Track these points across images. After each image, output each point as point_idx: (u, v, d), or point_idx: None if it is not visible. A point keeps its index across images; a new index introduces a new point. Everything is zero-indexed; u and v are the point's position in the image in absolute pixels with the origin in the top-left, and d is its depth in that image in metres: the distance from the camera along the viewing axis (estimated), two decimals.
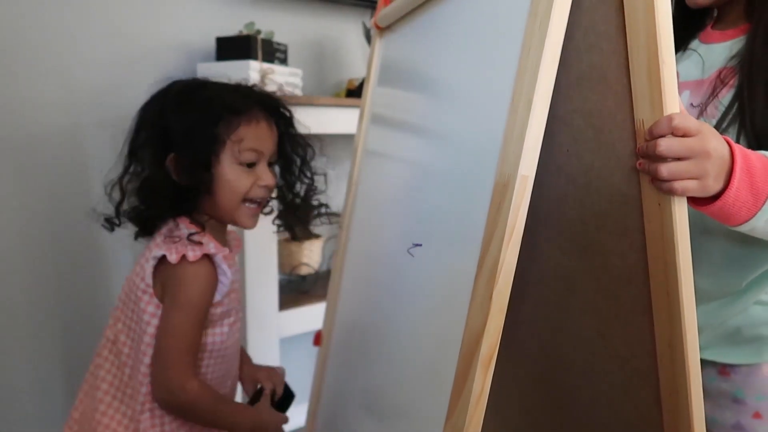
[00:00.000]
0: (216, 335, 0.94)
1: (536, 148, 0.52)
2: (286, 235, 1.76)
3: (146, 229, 0.96)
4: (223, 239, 0.99)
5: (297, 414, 1.20)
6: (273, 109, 0.98)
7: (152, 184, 0.91)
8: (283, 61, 1.59)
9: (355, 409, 0.91)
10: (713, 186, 0.55)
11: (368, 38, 1.83)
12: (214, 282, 0.91)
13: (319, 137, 1.07)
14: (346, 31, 1.94)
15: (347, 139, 1.43)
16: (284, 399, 1.04)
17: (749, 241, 0.68)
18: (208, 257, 0.89)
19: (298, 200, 1.05)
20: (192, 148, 0.89)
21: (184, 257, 0.87)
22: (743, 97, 0.68)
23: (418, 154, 0.80)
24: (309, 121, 1.55)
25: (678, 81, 0.78)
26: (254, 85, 1.00)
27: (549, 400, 0.73)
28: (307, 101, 1.52)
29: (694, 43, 0.80)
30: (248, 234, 1.38)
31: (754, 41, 0.70)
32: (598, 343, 0.62)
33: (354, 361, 0.95)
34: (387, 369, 0.78)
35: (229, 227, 1.01)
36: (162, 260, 0.88)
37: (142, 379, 0.89)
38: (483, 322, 0.51)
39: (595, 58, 0.56)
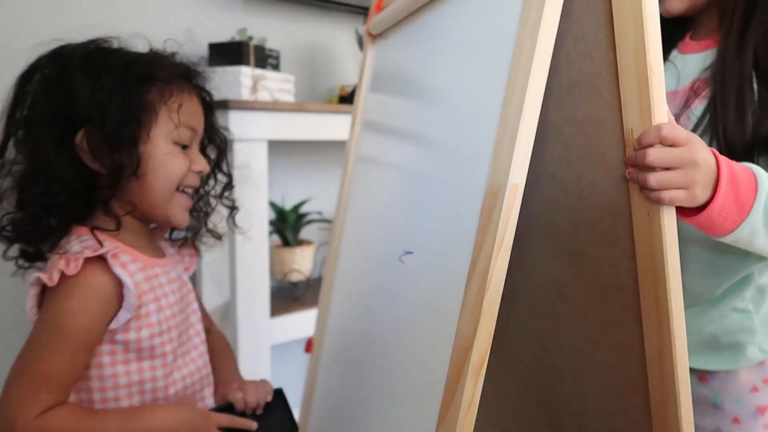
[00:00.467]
0: (132, 373, 0.73)
1: (527, 157, 0.52)
2: (278, 241, 1.77)
3: (34, 241, 0.73)
4: (145, 246, 0.79)
5: None
6: (199, 85, 0.83)
7: (48, 173, 0.69)
8: (276, 68, 1.59)
9: (347, 416, 0.91)
10: (701, 196, 0.55)
11: (360, 45, 1.84)
12: (103, 297, 0.69)
13: (229, 132, 0.94)
14: (338, 38, 1.95)
15: (339, 145, 1.43)
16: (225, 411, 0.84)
17: (725, 249, 0.69)
18: (101, 264, 0.69)
19: (211, 199, 0.89)
20: (114, 117, 0.69)
21: (62, 274, 0.67)
22: (715, 108, 0.69)
23: (410, 162, 0.80)
24: (301, 127, 1.56)
25: None
26: (176, 53, 0.82)
27: (540, 408, 0.73)
28: (299, 107, 1.52)
29: (673, 54, 0.81)
30: (239, 240, 1.38)
31: (725, 53, 0.70)
32: (588, 351, 0.62)
33: (345, 369, 0.95)
34: (378, 376, 0.78)
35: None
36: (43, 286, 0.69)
37: None
38: (473, 330, 0.51)
39: (586, 67, 0.56)
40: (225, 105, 1.32)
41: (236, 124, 1.34)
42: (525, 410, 0.76)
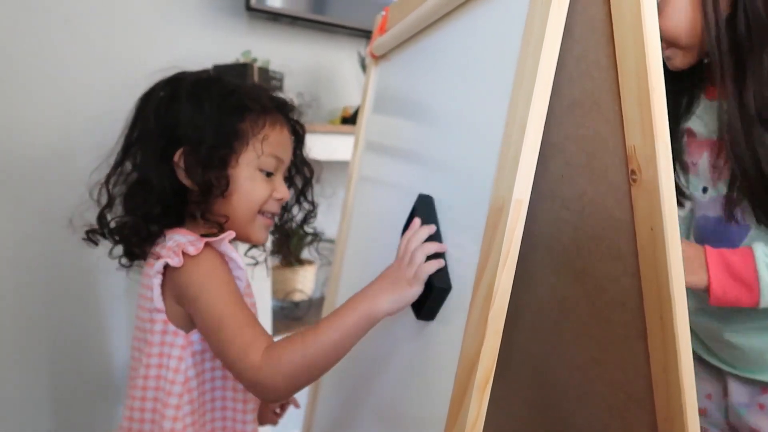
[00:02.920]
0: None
1: (530, 174, 0.53)
2: (279, 260, 1.77)
3: (136, 244, 0.80)
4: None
5: None
6: (292, 118, 0.89)
7: (149, 185, 0.77)
8: (279, 89, 1.61)
9: None
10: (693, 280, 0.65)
11: (363, 67, 1.86)
12: (227, 266, 0.76)
13: (320, 163, 0.99)
14: (341, 60, 1.97)
15: (342, 165, 1.44)
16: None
17: None
18: (211, 249, 0.75)
19: (293, 225, 0.96)
20: (209, 140, 0.76)
21: (185, 255, 0.73)
22: (735, 163, 0.72)
23: (413, 181, 0.81)
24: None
25: (696, 140, 0.81)
26: (271, 87, 0.93)
27: (544, 425, 0.72)
28: None
29: (702, 101, 0.82)
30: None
31: (730, 118, 0.72)
32: (592, 368, 0.62)
33: (346, 389, 0.94)
34: (380, 396, 0.78)
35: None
36: (165, 274, 0.75)
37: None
38: (479, 346, 0.51)
39: (587, 85, 0.57)
40: None
41: None
42: (529, 429, 0.75)
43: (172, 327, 0.76)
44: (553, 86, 0.53)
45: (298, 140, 0.90)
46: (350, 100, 1.97)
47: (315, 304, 1.75)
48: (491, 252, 0.53)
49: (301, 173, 0.93)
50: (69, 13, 1.38)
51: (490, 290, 0.52)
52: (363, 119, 1.13)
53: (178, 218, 0.81)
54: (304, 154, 0.93)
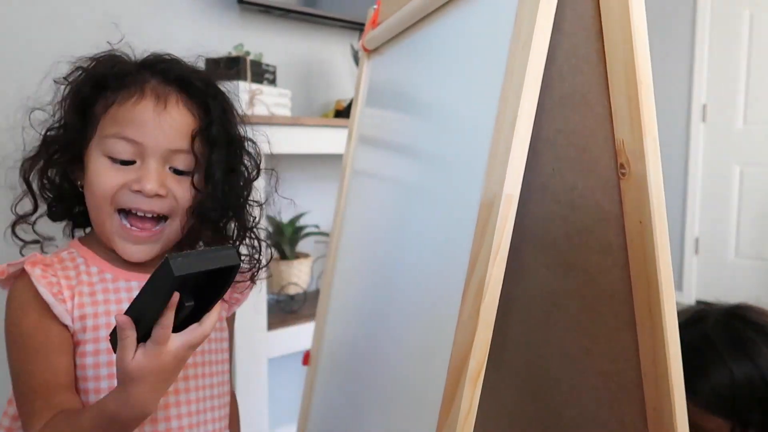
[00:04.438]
0: (77, 355, 0.67)
1: (520, 168, 0.53)
2: (276, 254, 1.77)
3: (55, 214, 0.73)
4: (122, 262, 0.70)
5: None
6: (183, 83, 0.69)
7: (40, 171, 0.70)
8: (272, 82, 1.61)
9: (345, 428, 0.91)
10: None
11: (356, 60, 1.86)
12: (30, 298, 0.64)
13: (274, 157, 0.80)
14: (334, 53, 1.97)
15: (335, 159, 1.44)
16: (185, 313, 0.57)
17: None
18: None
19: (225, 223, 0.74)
20: (65, 128, 0.68)
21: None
22: None
23: (406, 174, 0.81)
24: (297, 141, 1.57)
25: None
26: (167, 54, 0.73)
27: (536, 417, 0.73)
28: (295, 122, 1.54)
29: None
30: None
31: None
32: (583, 359, 0.63)
33: (342, 381, 0.95)
34: (375, 387, 0.78)
35: None
36: None
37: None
38: (471, 338, 0.52)
39: (577, 80, 0.57)
40: None
41: None
42: (521, 420, 0.76)
43: None
44: (543, 81, 0.53)
45: (207, 114, 0.69)
46: (343, 93, 1.97)
47: (310, 298, 1.76)
48: (482, 246, 0.53)
49: (219, 161, 0.69)
50: (58, 6, 1.37)
51: (481, 284, 0.52)
52: (356, 113, 1.13)
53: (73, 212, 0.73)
54: (226, 131, 0.71)
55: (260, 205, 0.78)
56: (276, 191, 0.80)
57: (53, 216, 0.74)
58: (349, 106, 1.71)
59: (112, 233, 0.67)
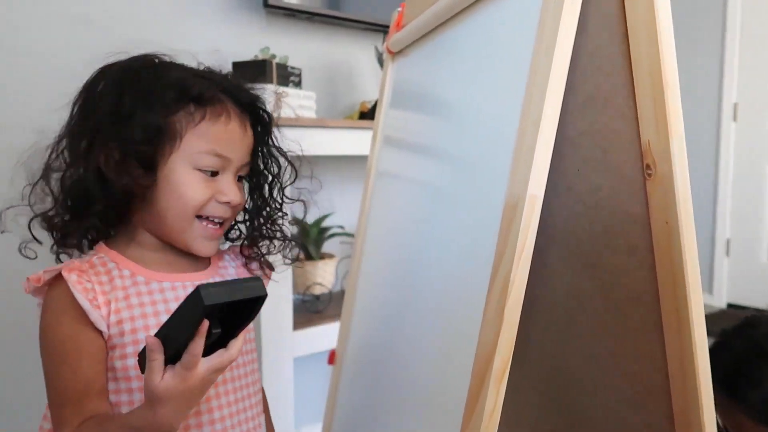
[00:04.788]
0: (115, 358, 0.68)
1: (545, 169, 0.53)
2: (301, 254, 1.79)
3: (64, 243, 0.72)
4: (160, 261, 0.74)
5: None
6: (250, 107, 0.77)
7: (77, 181, 0.69)
8: (298, 85, 1.63)
9: (369, 427, 0.92)
10: None
11: (380, 62, 1.87)
12: (66, 305, 0.66)
13: (301, 157, 0.86)
14: (358, 56, 1.98)
15: (360, 160, 1.45)
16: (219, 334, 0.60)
17: None
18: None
19: (269, 231, 0.83)
20: (129, 137, 0.67)
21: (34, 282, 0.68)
22: None
23: (430, 175, 0.81)
24: (322, 142, 1.58)
25: None
26: (229, 74, 0.79)
27: (560, 418, 0.73)
28: (320, 123, 1.55)
29: None
30: None
31: None
32: (608, 361, 0.62)
33: (367, 380, 0.96)
34: (400, 387, 0.79)
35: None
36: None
37: None
38: (495, 338, 0.52)
39: (601, 81, 0.57)
40: None
41: None
42: (545, 421, 0.76)
43: None
44: (567, 82, 0.54)
45: (263, 133, 0.79)
46: (367, 95, 1.98)
47: (335, 298, 1.78)
48: (507, 246, 0.54)
49: (267, 169, 0.81)
50: (89, 11, 1.41)
51: (505, 284, 0.53)
52: (381, 114, 1.14)
53: (118, 221, 0.73)
54: (273, 146, 0.80)
55: (296, 201, 0.88)
56: (307, 195, 0.89)
57: (79, 227, 0.71)
58: (374, 107, 1.71)
59: (194, 236, 0.72)
